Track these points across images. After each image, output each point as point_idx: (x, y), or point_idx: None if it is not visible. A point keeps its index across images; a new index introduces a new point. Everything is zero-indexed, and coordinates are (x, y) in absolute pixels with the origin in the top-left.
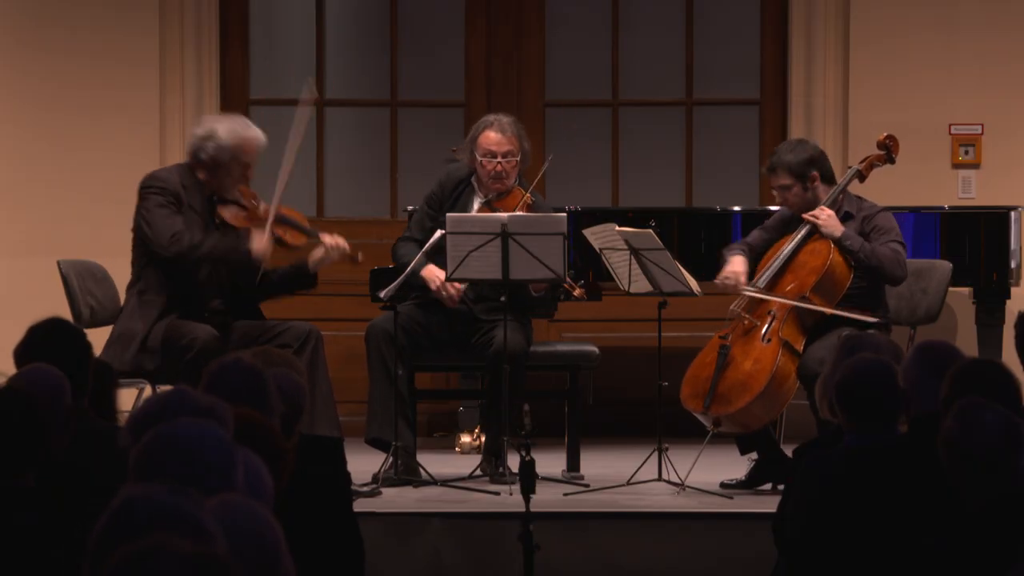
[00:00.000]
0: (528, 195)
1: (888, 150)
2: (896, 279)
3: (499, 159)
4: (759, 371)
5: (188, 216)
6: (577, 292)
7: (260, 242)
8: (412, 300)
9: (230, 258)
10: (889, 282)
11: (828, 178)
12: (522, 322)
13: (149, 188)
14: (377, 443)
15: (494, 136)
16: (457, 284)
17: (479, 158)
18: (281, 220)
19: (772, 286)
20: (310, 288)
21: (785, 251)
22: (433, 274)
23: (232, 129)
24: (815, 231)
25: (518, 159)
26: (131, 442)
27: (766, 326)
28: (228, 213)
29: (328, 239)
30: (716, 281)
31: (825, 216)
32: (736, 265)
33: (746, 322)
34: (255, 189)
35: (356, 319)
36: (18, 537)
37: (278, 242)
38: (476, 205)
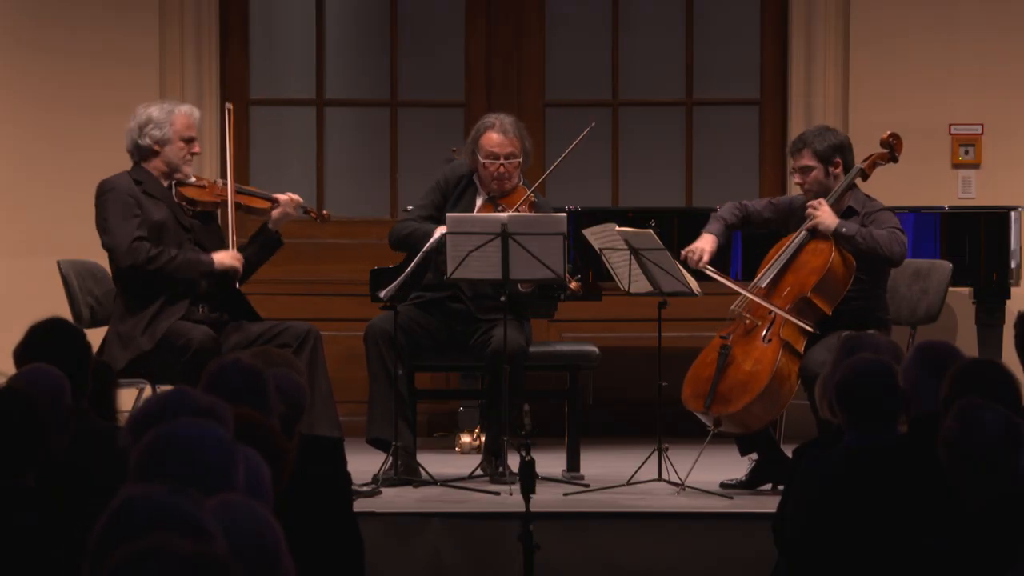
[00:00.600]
0: (531, 193)
1: (892, 148)
2: (895, 256)
3: (501, 161)
4: (760, 371)
5: (150, 213)
6: (573, 285)
7: (226, 255)
8: (412, 300)
9: (189, 272)
10: (888, 262)
11: (849, 169)
12: (520, 321)
13: (104, 195)
14: (378, 443)
15: (496, 138)
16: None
17: (481, 160)
18: (240, 191)
19: (774, 285)
20: (278, 247)
21: (787, 251)
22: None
23: (163, 108)
24: (816, 230)
25: (520, 160)
26: (131, 442)
27: (767, 326)
28: (190, 191)
29: (282, 197)
30: (682, 253)
31: (821, 210)
32: (704, 242)
33: (747, 322)
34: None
35: (356, 319)
36: (18, 537)
37: (246, 210)
38: (479, 202)
